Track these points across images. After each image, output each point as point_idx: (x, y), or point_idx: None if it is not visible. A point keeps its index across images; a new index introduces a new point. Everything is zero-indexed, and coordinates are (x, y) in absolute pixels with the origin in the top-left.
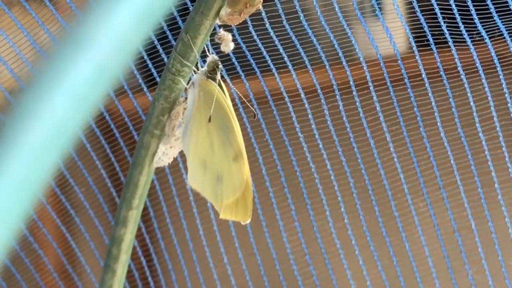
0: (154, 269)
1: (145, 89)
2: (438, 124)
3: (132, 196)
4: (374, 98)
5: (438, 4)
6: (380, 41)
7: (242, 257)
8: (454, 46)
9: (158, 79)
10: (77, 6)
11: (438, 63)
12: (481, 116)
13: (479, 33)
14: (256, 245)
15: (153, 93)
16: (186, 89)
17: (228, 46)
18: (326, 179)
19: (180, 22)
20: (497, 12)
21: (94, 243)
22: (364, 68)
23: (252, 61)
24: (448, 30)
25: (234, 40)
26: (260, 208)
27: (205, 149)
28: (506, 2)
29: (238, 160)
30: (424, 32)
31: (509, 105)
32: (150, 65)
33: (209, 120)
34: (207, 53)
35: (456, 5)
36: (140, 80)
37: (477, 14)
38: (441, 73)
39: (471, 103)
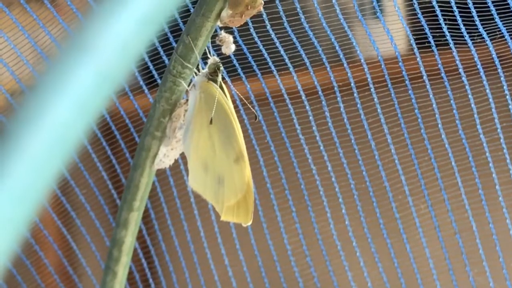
0: (155, 271)
1: (146, 90)
2: (439, 125)
3: (133, 198)
4: (375, 99)
5: (439, 5)
6: (381, 42)
7: (243, 259)
8: (455, 47)
9: (159, 80)
10: (78, 7)
11: (439, 64)
12: (482, 117)
13: (480, 34)
14: (257, 247)
15: (154, 94)
16: (187, 91)
17: (229, 48)
18: (327, 180)
19: (181, 24)
20: (498, 13)
21: (95, 245)
22: (365, 69)
23: (252, 62)
24: (449, 31)
25: (235, 41)
26: (261, 210)
27: (206, 151)
28: (507, 3)
29: (239, 161)
30: (425, 33)
31: (510, 106)
32: (151, 67)
33: (211, 122)
34: (208, 55)
35: (457, 6)
36: (141, 82)
37: (478, 15)
38: (442, 74)
39: (472, 105)
